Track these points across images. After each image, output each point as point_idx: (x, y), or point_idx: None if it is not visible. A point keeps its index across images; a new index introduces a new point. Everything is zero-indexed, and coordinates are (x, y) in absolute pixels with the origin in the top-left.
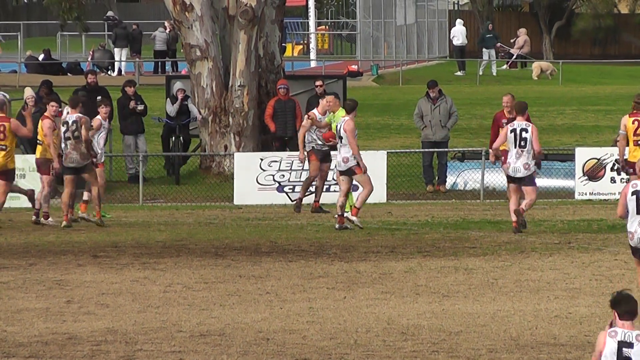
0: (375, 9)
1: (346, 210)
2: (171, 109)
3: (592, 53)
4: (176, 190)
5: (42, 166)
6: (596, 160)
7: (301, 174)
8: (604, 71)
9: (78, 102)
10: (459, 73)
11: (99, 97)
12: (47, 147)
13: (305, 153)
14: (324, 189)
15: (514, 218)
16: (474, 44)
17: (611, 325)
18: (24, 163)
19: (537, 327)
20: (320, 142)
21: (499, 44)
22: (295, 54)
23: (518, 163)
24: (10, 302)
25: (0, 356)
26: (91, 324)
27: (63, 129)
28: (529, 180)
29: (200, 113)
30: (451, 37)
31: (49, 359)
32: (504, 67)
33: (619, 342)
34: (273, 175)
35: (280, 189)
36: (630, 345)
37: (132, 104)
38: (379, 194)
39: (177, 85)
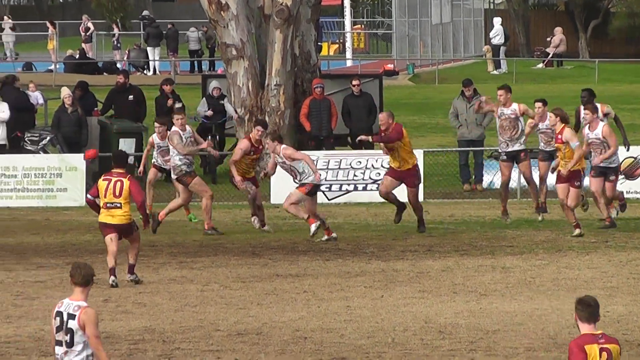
0: (410, 7)
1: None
2: (201, 109)
3: (628, 52)
4: (213, 190)
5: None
6: (633, 159)
7: (337, 173)
8: (639, 70)
9: None
10: (495, 72)
11: (130, 97)
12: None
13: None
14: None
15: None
16: (512, 43)
17: None
18: (61, 163)
19: (575, 325)
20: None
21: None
22: (331, 53)
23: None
24: (48, 301)
25: (38, 355)
26: (129, 322)
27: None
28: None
29: (236, 112)
30: (492, 36)
31: None
32: (540, 65)
33: None
34: None
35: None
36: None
37: (169, 102)
38: None
39: (213, 83)
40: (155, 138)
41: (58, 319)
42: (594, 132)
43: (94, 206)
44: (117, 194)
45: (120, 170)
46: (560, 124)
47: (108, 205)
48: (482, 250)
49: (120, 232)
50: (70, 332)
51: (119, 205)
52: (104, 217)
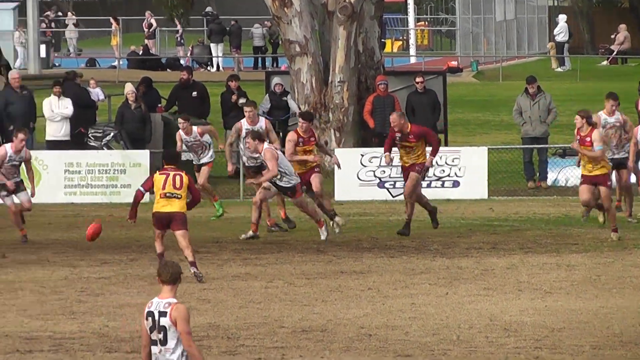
0: (474, 4)
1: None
2: (263, 106)
3: None
4: None
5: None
6: None
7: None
8: None
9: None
10: (559, 69)
11: (194, 93)
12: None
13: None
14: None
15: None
16: (576, 40)
17: None
18: (125, 159)
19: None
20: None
21: None
22: (395, 50)
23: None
24: (112, 298)
25: (103, 351)
26: (193, 319)
27: None
28: None
29: (299, 109)
30: (556, 33)
31: None
32: (604, 63)
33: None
34: (374, 171)
35: (381, 184)
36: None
37: (234, 97)
38: (480, 191)
39: (275, 80)
40: (182, 134)
41: (150, 318)
42: None
43: (139, 199)
44: (178, 186)
45: (174, 167)
46: (588, 126)
47: (167, 195)
48: (547, 247)
49: (173, 221)
50: (163, 329)
51: (179, 196)
52: (161, 206)
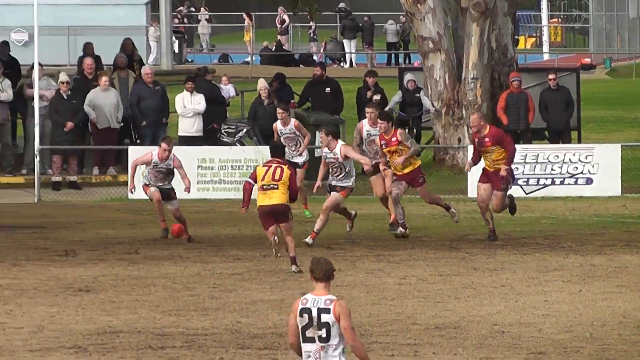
0: (608, 1)
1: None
2: (395, 99)
3: None
4: None
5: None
6: None
7: (535, 167)
8: None
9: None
10: None
11: (327, 89)
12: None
13: None
14: None
15: None
16: None
17: None
18: (257, 155)
19: None
20: None
21: None
22: (528, 47)
23: None
24: (245, 294)
25: (235, 347)
26: None
27: None
28: None
29: (433, 105)
30: None
31: (283, 350)
32: None
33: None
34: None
35: (514, 181)
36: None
37: (369, 93)
38: (614, 188)
39: (408, 76)
40: (278, 124)
41: (305, 315)
42: None
43: (247, 191)
44: (277, 177)
45: (280, 160)
46: None
47: (265, 187)
48: None
49: (276, 215)
50: (326, 326)
51: (276, 187)
52: (262, 199)
